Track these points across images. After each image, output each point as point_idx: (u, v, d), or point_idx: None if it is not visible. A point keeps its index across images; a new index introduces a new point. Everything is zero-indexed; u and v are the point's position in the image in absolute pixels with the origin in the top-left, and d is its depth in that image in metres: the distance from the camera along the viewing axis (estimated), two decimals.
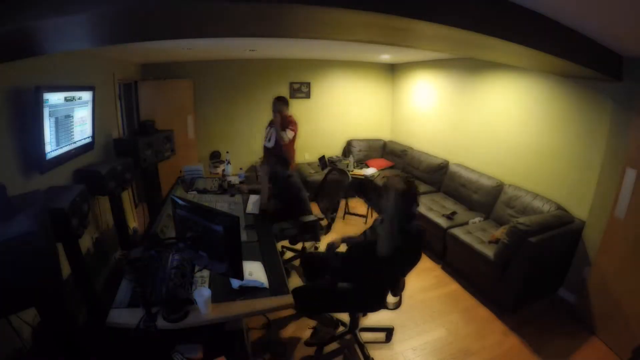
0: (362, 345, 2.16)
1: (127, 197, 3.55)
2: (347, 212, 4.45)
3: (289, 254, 3.34)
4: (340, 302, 2.01)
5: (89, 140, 2.57)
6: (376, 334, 2.35)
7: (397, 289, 1.99)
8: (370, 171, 4.84)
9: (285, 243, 3.11)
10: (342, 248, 2.17)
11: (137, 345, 1.52)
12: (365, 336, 2.29)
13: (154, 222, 2.47)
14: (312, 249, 3.54)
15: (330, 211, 3.01)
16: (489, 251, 2.70)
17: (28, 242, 1.24)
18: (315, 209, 3.10)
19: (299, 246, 3.24)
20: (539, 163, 3.12)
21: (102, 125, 3.03)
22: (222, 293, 1.62)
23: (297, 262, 3.23)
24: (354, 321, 2.25)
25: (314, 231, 2.91)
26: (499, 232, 2.81)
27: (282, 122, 3.79)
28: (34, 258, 1.26)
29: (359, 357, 2.16)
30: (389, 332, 2.35)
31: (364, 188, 4.69)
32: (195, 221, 1.58)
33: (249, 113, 5.24)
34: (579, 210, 2.72)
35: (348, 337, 2.29)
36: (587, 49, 2.00)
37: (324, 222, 3.02)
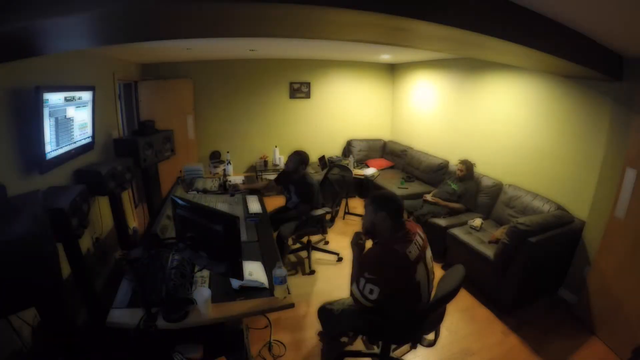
0: None
1: (127, 197, 3.55)
2: (347, 212, 4.46)
3: (295, 245, 3.47)
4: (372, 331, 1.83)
5: (89, 140, 2.57)
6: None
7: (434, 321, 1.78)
8: (370, 171, 4.85)
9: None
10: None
11: (137, 345, 1.52)
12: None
13: (154, 222, 2.47)
14: (323, 244, 3.64)
15: (335, 205, 3.17)
16: (489, 251, 2.70)
17: (28, 242, 1.24)
18: None
19: (303, 240, 3.39)
20: (538, 163, 3.12)
21: (102, 125, 3.03)
22: (222, 293, 1.62)
23: (303, 254, 3.36)
24: (386, 351, 2.00)
25: (322, 224, 3.07)
26: (499, 232, 2.81)
27: None
28: (33, 258, 1.26)
29: None
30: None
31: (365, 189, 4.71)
32: (195, 221, 1.58)
33: (249, 113, 5.24)
34: (579, 210, 2.71)
35: None
36: (587, 49, 2.01)
37: (327, 216, 3.14)
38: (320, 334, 2.28)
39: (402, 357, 2.14)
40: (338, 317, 1.82)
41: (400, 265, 1.56)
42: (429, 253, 1.72)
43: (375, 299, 1.55)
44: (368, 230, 1.72)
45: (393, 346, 2.08)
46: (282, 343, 2.24)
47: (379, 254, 1.65)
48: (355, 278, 1.65)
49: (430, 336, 1.85)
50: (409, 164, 4.90)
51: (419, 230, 1.73)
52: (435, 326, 1.81)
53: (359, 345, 2.27)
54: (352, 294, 1.66)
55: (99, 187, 2.45)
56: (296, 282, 2.94)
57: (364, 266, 1.61)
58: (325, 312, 1.89)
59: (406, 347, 2.17)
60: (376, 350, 2.17)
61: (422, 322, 1.68)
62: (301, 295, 2.74)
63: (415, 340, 1.80)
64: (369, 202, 1.70)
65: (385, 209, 1.64)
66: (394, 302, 1.60)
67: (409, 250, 1.57)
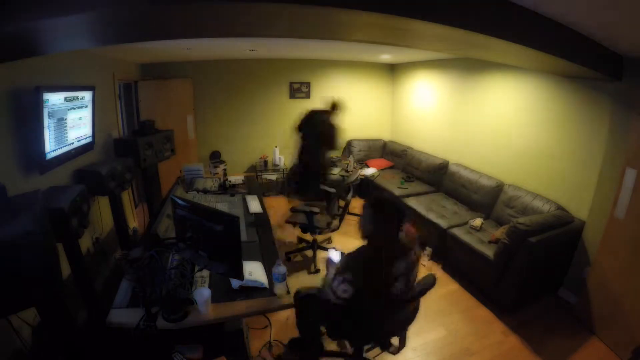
0: None
1: (127, 197, 3.55)
2: (347, 212, 4.45)
3: (302, 244, 3.53)
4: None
5: (89, 140, 2.57)
6: None
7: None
8: (370, 171, 4.85)
9: (298, 232, 3.39)
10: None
11: (137, 345, 1.52)
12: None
13: (154, 222, 2.47)
14: (326, 243, 3.64)
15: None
16: (489, 251, 2.70)
17: (28, 242, 1.24)
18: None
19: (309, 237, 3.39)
20: (539, 163, 3.12)
21: (102, 125, 3.03)
22: (222, 293, 1.62)
23: (309, 253, 3.39)
24: (358, 352, 1.95)
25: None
26: (499, 232, 2.81)
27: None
28: (33, 258, 1.26)
29: None
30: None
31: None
32: (195, 221, 1.58)
33: (249, 113, 5.24)
34: (579, 210, 2.72)
35: None
36: (587, 49, 2.01)
37: (335, 222, 3.17)
38: (290, 344, 2.18)
39: (376, 358, 2.09)
40: (312, 300, 1.79)
41: (380, 277, 1.52)
42: (416, 271, 1.62)
43: (346, 298, 1.52)
44: (366, 236, 1.62)
45: (366, 347, 2.02)
46: (282, 343, 2.24)
47: (364, 261, 1.56)
48: (333, 273, 1.60)
49: (395, 342, 1.82)
50: (409, 164, 4.90)
51: (415, 246, 1.64)
52: (399, 331, 1.77)
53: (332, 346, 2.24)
54: (324, 287, 1.62)
55: (99, 187, 2.45)
56: (301, 281, 2.95)
57: (346, 267, 1.55)
58: (301, 296, 1.81)
59: (377, 349, 2.09)
60: (349, 350, 2.14)
61: (381, 323, 1.65)
62: None
63: (378, 343, 1.77)
64: (368, 209, 1.59)
65: (381, 219, 1.55)
66: (364, 305, 1.57)
67: (395, 267, 1.52)
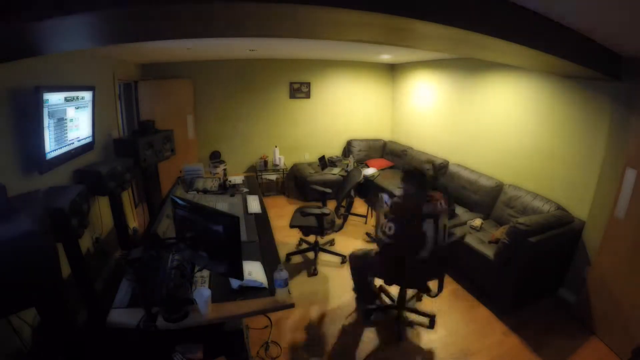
0: (406, 324, 2.47)
1: (127, 197, 3.55)
2: (350, 213, 4.45)
3: (304, 245, 3.54)
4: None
5: (89, 140, 2.57)
6: (420, 318, 2.53)
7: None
8: (370, 171, 4.85)
9: (300, 233, 3.34)
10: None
11: (137, 345, 1.52)
12: (411, 317, 2.54)
13: (154, 222, 2.47)
14: (329, 245, 3.61)
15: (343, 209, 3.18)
16: (489, 251, 2.70)
17: (28, 242, 1.24)
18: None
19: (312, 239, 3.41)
20: (539, 163, 3.12)
21: (102, 125, 3.03)
22: (222, 293, 1.62)
23: (310, 255, 3.41)
24: (401, 298, 2.47)
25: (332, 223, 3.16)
26: (499, 232, 2.81)
27: None
28: (33, 258, 1.26)
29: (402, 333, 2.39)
30: (432, 318, 2.47)
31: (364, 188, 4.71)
32: (195, 221, 1.58)
33: (249, 113, 5.24)
34: (579, 210, 2.71)
35: (395, 312, 2.52)
36: (587, 49, 2.01)
37: (339, 221, 3.15)
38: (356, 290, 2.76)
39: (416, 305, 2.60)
40: (364, 256, 2.39)
41: (413, 211, 2.04)
42: (444, 220, 2.09)
43: (392, 234, 2.03)
44: (405, 193, 2.21)
45: (408, 297, 2.58)
46: (278, 344, 2.23)
47: (400, 202, 2.17)
48: (383, 218, 2.20)
49: (434, 288, 2.26)
50: (409, 164, 4.90)
51: (443, 201, 2.12)
52: (437, 274, 2.25)
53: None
54: (375, 237, 2.25)
55: (99, 187, 2.45)
56: (300, 284, 2.95)
57: (391, 209, 2.15)
58: (356, 256, 2.48)
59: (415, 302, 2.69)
60: (394, 301, 2.59)
61: (426, 266, 2.12)
62: (305, 295, 2.75)
63: (421, 287, 2.31)
64: (408, 176, 2.21)
65: (409, 182, 2.17)
66: (406, 244, 2.07)
67: (424, 206, 2.03)
